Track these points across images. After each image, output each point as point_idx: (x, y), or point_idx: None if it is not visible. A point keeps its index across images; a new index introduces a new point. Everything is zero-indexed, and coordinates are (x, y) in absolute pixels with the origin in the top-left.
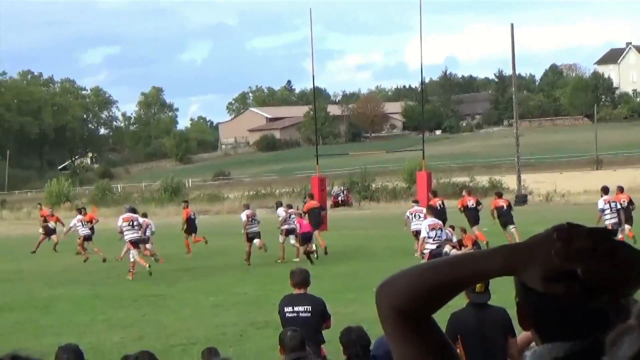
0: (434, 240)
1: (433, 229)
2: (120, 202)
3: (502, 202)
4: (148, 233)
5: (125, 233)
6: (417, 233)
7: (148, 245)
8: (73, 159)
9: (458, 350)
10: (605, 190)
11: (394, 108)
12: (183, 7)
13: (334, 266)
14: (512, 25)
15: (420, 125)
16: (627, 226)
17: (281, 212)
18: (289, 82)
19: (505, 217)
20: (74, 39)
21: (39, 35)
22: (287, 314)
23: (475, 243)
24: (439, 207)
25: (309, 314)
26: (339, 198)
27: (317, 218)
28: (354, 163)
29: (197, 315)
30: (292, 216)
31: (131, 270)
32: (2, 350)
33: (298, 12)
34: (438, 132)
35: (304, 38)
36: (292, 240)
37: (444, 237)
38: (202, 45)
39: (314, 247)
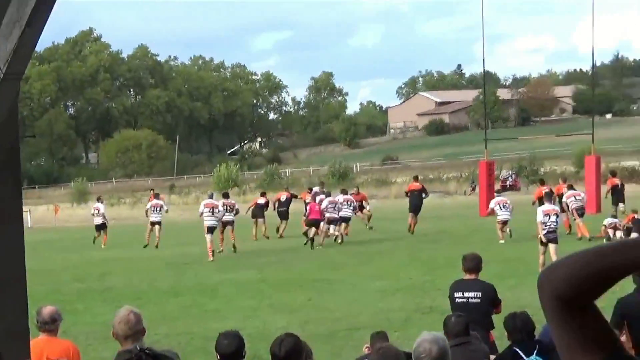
0: (546, 225)
1: (547, 214)
2: (288, 186)
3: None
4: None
5: (205, 218)
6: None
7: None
8: (242, 143)
9: (624, 336)
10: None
11: (564, 92)
12: None
13: (501, 251)
14: None
15: (591, 109)
16: None
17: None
18: (459, 66)
19: None
20: (246, 25)
21: (210, 20)
22: (457, 299)
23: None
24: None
25: (479, 300)
26: (507, 182)
27: (417, 200)
28: (522, 147)
29: (363, 299)
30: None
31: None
32: (169, 335)
33: None
34: (608, 116)
35: (475, 22)
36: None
37: (558, 224)
38: (373, 30)
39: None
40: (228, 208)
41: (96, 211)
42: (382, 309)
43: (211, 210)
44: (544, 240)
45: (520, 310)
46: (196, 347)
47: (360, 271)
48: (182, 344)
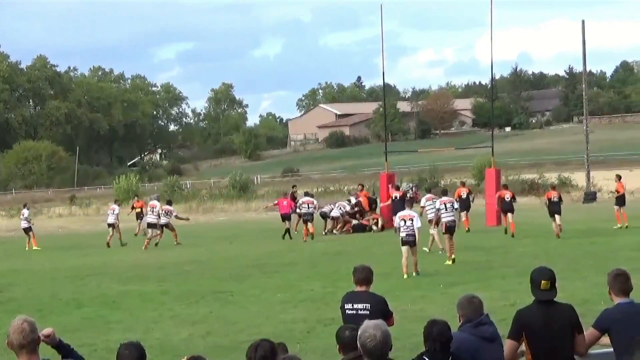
0: (402, 230)
1: (403, 219)
2: (189, 198)
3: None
4: None
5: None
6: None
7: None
8: (142, 155)
9: (523, 346)
10: (444, 192)
11: (463, 105)
12: (258, 3)
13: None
14: (582, 21)
15: (490, 122)
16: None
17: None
18: (358, 78)
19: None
20: (148, 35)
21: (111, 31)
22: (347, 311)
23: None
24: (394, 198)
25: (368, 312)
26: (408, 195)
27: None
28: (423, 160)
29: (265, 311)
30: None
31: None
32: (71, 346)
33: (374, 8)
34: (508, 128)
35: (378, 35)
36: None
37: (415, 226)
38: (276, 42)
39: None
40: (164, 213)
41: (22, 215)
42: (285, 320)
43: (152, 209)
44: (401, 243)
45: (442, 319)
46: (99, 359)
47: (263, 283)
48: (85, 355)
